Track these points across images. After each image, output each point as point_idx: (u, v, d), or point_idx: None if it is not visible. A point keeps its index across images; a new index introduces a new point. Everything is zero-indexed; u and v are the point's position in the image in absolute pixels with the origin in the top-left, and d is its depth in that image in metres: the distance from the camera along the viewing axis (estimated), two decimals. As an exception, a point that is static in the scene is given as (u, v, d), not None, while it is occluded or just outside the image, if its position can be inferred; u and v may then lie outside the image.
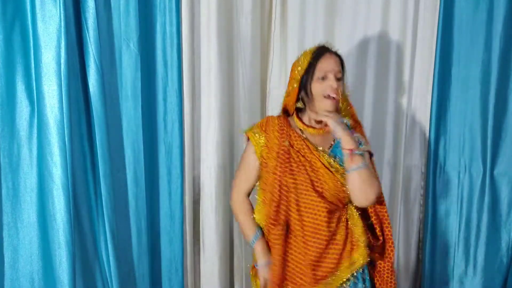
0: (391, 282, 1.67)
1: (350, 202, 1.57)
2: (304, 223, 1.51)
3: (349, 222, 1.57)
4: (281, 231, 1.53)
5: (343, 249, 1.54)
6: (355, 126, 1.65)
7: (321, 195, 1.50)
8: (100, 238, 1.86)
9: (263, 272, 1.60)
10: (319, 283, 1.53)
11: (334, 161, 1.53)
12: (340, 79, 1.53)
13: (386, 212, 1.63)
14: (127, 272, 1.99)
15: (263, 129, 1.59)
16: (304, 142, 1.55)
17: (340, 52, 1.60)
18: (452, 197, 2.28)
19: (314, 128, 1.58)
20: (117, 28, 1.83)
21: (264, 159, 1.57)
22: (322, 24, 2.25)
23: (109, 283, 1.89)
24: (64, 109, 1.64)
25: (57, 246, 1.68)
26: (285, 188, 1.52)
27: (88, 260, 1.87)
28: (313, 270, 1.52)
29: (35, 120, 1.67)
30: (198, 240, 2.28)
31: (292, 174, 1.52)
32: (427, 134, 2.24)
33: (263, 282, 1.61)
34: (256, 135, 1.60)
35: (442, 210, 2.29)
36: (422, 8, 2.20)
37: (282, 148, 1.54)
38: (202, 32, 2.10)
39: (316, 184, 1.51)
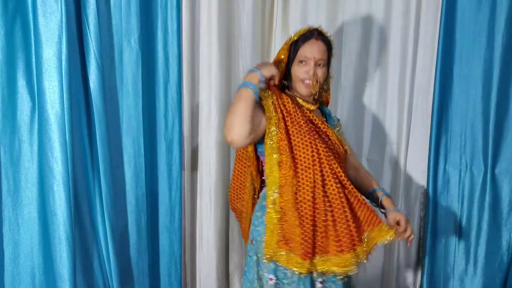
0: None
1: None
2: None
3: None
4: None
5: (370, 216, 1.54)
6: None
7: (339, 158, 1.59)
8: (100, 234, 1.87)
9: (270, 70, 1.53)
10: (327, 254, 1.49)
11: (335, 131, 1.65)
12: (322, 65, 1.59)
13: None
14: (127, 267, 1.99)
15: (278, 99, 1.58)
16: (311, 114, 1.61)
17: (330, 37, 1.66)
18: (453, 196, 2.27)
19: (308, 102, 1.64)
20: (118, 24, 1.83)
21: (284, 125, 1.54)
22: (324, 22, 2.24)
23: (109, 278, 1.89)
24: (65, 105, 1.64)
25: (57, 242, 1.69)
26: (316, 153, 1.52)
27: (88, 256, 1.88)
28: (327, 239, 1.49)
29: (36, 116, 1.68)
30: (197, 236, 2.28)
31: (321, 140, 1.55)
32: (429, 132, 2.24)
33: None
34: (269, 100, 1.56)
35: (443, 208, 2.29)
36: (424, 5, 2.19)
37: (303, 118, 1.55)
38: (202, 29, 2.09)
39: (336, 148, 1.59)
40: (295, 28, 2.23)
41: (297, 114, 1.55)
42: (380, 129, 2.33)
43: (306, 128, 1.53)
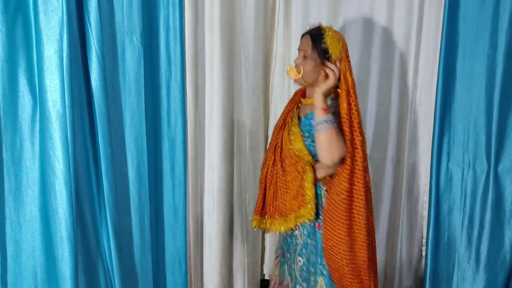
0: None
1: (309, 162, 1.75)
2: (277, 170, 1.81)
3: (302, 181, 1.73)
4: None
5: (293, 201, 1.74)
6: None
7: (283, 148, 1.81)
8: (103, 233, 1.86)
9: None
10: (275, 217, 1.80)
11: (296, 124, 1.78)
12: (306, 58, 1.71)
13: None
14: (130, 266, 1.99)
15: None
16: (295, 109, 1.84)
17: (319, 27, 1.73)
18: (456, 194, 2.26)
19: (304, 98, 1.82)
20: (120, 22, 1.82)
21: None
22: (325, 19, 2.24)
23: (112, 277, 1.89)
24: (66, 104, 1.63)
25: (59, 241, 1.69)
26: (278, 139, 1.83)
27: (91, 254, 1.87)
28: (273, 206, 1.81)
29: (38, 114, 1.67)
30: (201, 235, 2.28)
31: (287, 131, 1.82)
32: (431, 130, 2.23)
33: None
34: None
35: (445, 206, 2.28)
36: (427, 2, 2.18)
37: (287, 111, 1.87)
38: (205, 27, 2.09)
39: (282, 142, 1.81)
40: (297, 25, 2.23)
41: (284, 110, 1.89)
42: (383, 126, 2.32)
43: (282, 120, 1.85)
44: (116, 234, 1.85)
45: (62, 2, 1.59)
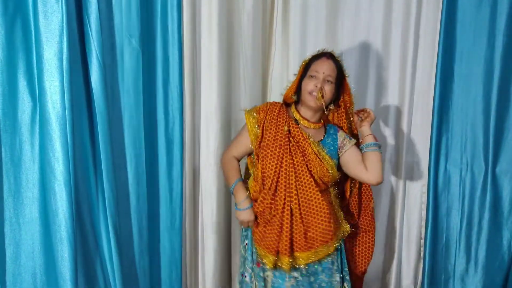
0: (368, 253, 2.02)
1: (331, 186, 1.84)
2: (300, 199, 1.73)
3: (333, 204, 1.83)
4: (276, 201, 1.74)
5: (333, 227, 1.77)
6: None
7: (312, 176, 1.74)
8: (102, 234, 1.86)
9: (246, 215, 1.76)
10: (310, 250, 1.74)
11: (322, 150, 1.77)
12: (330, 82, 1.73)
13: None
14: (128, 267, 1.99)
15: (264, 113, 1.78)
16: (299, 130, 1.76)
17: (340, 58, 1.80)
18: (454, 195, 2.27)
19: (308, 120, 1.80)
20: (119, 24, 1.83)
21: (260, 140, 1.75)
22: (324, 20, 2.25)
23: (111, 278, 1.89)
24: (66, 105, 1.64)
25: (59, 242, 1.69)
26: (285, 166, 1.72)
27: (90, 256, 1.87)
28: (306, 239, 1.73)
29: (37, 116, 1.67)
30: (199, 237, 2.28)
31: (291, 155, 1.73)
32: (429, 131, 2.24)
33: (246, 224, 1.79)
34: (252, 119, 1.79)
35: (443, 207, 2.29)
36: (425, 4, 2.19)
37: (282, 132, 1.74)
38: (203, 28, 2.09)
39: (309, 167, 1.73)
40: (295, 26, 2.24)
41: (272, 130, 1.75)
42: (381, 127, 2.33)
43: (280, 143, 1.73)
44: (115, 235, 1.85)
45: (61, 4, 1.59)
